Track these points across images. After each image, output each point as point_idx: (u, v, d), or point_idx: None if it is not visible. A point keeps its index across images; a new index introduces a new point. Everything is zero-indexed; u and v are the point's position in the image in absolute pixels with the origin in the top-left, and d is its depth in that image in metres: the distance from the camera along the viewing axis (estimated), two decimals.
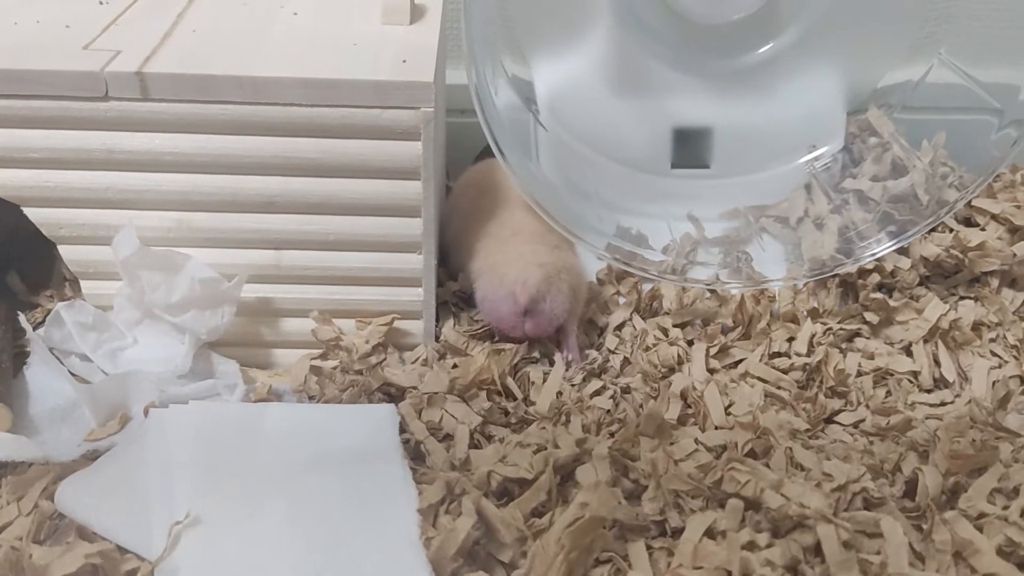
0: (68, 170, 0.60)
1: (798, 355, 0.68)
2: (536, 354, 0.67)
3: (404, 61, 0.60)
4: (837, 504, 0.51)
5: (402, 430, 0.58)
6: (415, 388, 0.62)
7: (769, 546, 0.49)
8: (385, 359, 0.65)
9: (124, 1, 0.68)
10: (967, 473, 0.55)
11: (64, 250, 0.63)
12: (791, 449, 0.57)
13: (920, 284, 0.75)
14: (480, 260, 0.68)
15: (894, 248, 0.72)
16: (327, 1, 0.71)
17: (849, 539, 0.48)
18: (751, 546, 0.49)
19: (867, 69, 0.80)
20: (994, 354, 0.69)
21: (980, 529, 0.51)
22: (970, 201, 0.76)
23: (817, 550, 0.49)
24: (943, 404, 0.65)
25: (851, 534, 0.49)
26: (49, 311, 0.64)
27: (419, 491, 0.52)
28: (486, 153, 0.80)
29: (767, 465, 0.56)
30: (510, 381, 0.63)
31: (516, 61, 0.76)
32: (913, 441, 0.58)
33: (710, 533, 0.50)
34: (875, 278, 0.74)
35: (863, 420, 0.63)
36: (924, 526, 0.51)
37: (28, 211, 0.61)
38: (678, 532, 0.51)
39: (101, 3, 0.68)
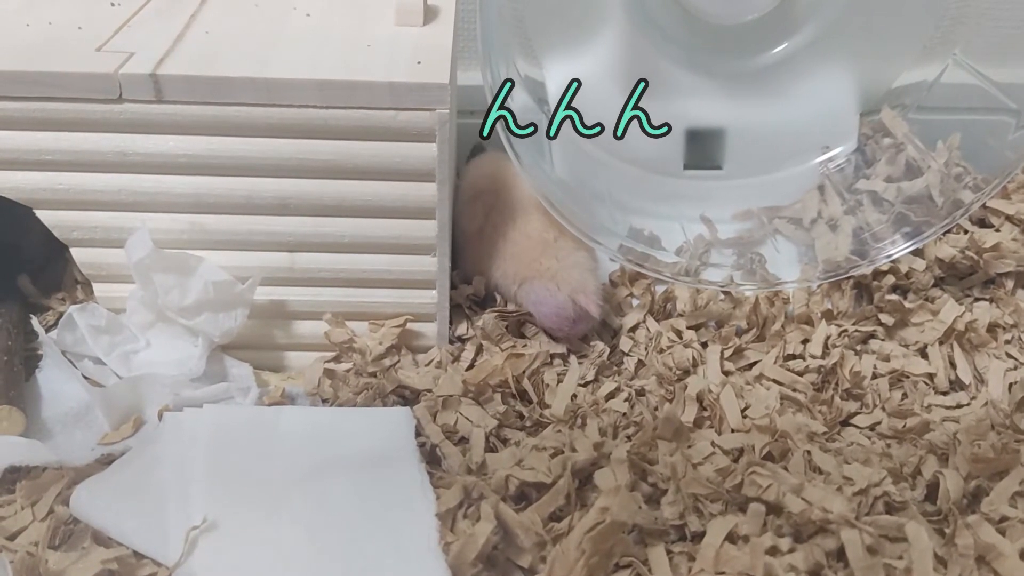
0: (81, 172, 0.59)
1: (813, 357, 0.68)
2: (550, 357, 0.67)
3: (419, 62, 0.60)
4: (859, 508, 0.51)
5: (417, 433, 0.58)
6: (429, 391, 0.61)
7: (791, 551, 0.49)
8: (399, 361, 0.65)
9: (136, 2, 0.68)
10: (988, 476, 0.55)
11: (77, 252, 0.62)
12: (809, 452, 0.57)
13: (935, 285, 0.74)
14: (524, 264, 0.68)
15: (909, 250, 0.72)
16: (340, 2, 0.70)
17: (873, 544, 0.48)
18: (773, 551, 0.48)
19: (881, 70, 0.80)
20: (1010, 356, 0.69)
21: (1003, 533, 0.50)
22: (985, 202, 0.75)
23: (840, 555, 0.48)
24: (959, 406, 0.65)
25: (875, 539, 0.48)
26: (61, 314, 0.64)
27: (437, 495, 0.52)
28: (477, 150, 0.80)
29: (785, 468, 0.55)
30: (526, 383, 0.63)
31: (529, 62, 0.76)
32: (932, 444, 0.58)
33: (731, 538, 0.50)
34: (890, 279, 0.73)
35: (879, 423, 0.62)
36: (946, 530, 0.51)
37: (41, 213, 0.61)
38: (698, 536, 0.51)
39: (113, 4, 0.68)
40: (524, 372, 0.64)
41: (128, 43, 0.60)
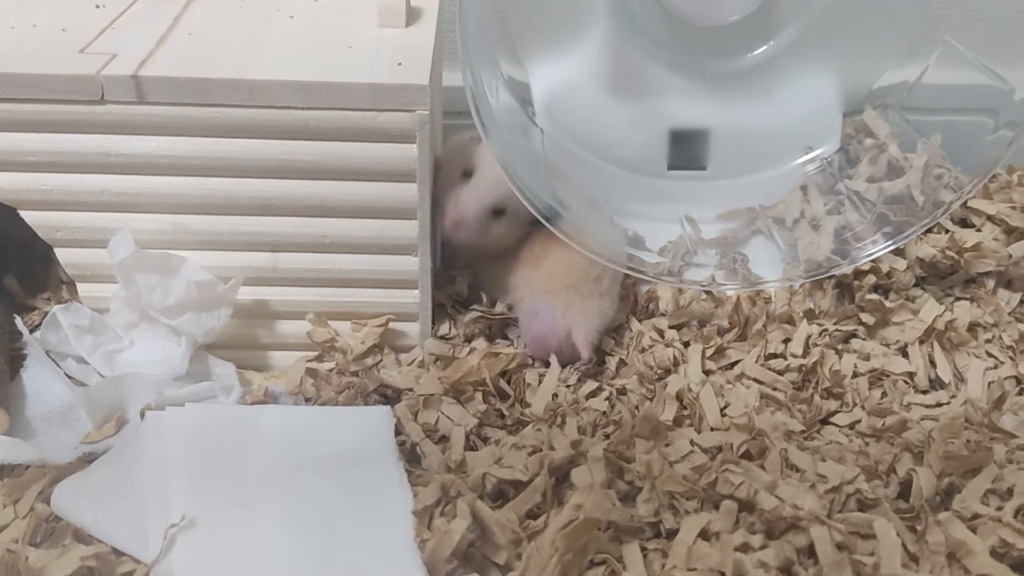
0: (64, 173, 0.60)
1: (794, 356, 0.68)
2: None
3: (399, 64, 0.60)
4: (831, 505, 0.51)
5: (398, 432, 0.58)
6: (411, 390, 0.62)
7: (763, 547, 0.49)
8: (381, 360, 0.66)
9: (120, 4, 0.69)
10: (961, 474, 0.55)
11: (60, 253, 0.63)
12: (786, 450, 0.57)
13: (916, 285, 0.75)
14: (536, 281, 0.67)
15: (890, 249, 0.72)
16: (323, 4, 0.71)
17: (842, 540, 0.48)
18: (745, 548, 0.49)
19: (863, 70, 0.81)
20: (990, 355, 0.69)
21: (974, 530, 0.51)
22: (966, 202, 0.76)
23: (811, 551, 0.49)
24: (939, 405, 0.65)
25: (844, 535, 0.49)
26: (46, 314, 0.65)
27: (414, 493, 0.53)
28: None
29: (762, 466, 0.56)
30: (503, 384, 0.63)
31: (512, 63, 0.77)
32: (908, 442, 0.58)
33: (704, 535, 0.50)
34: (871, 279, 0.74)
35: (858, 421, 0.63)
36: (918, 527, 0.52)
37: (25, 214, 0.61)
38: (672, 534, 0.51)
39: (97, 6, 0.68)
40: (505, 371, 0.64)
41: (111, 45, 0.61)
